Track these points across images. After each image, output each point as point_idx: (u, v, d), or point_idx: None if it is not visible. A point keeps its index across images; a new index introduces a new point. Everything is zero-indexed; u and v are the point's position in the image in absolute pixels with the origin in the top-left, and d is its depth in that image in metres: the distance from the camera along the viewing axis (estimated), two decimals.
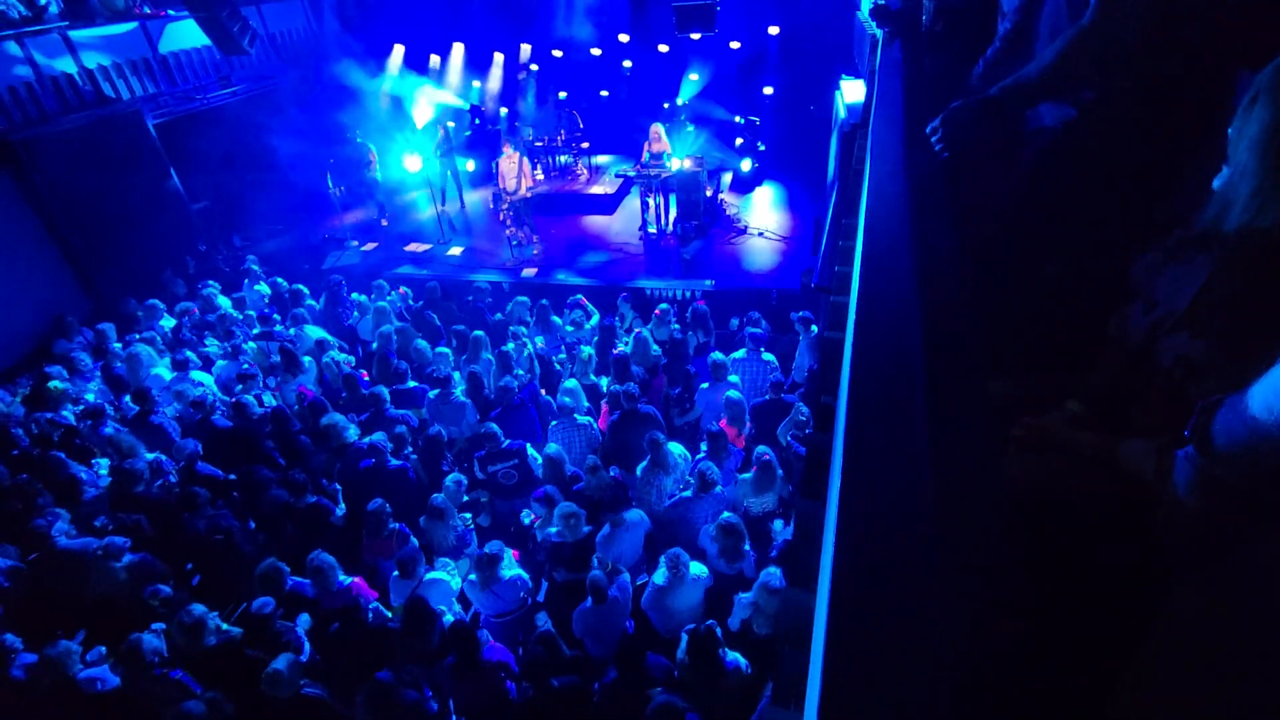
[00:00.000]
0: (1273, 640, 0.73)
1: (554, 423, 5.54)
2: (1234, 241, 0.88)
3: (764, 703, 3.08)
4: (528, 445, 5.26)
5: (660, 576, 4.01)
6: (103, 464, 5.59)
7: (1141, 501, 1.02)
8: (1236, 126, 0.88)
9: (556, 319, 7.39)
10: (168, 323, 7.76)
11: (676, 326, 7.08)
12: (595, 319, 7.34)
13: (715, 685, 3.38)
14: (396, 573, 4.28)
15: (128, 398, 6.22)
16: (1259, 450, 0.73)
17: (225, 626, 3.98)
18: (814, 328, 6.15)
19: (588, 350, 6.46)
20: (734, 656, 3.53)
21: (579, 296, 7.76)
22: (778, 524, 4.52)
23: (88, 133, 8.72)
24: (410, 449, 5.57)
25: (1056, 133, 2.05)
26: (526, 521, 5.00)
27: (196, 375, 6.49)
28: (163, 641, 3.74)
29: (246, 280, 8.72)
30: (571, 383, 5.91)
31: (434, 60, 13.29)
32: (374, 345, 7.06)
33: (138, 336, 7.24)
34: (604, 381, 6.36)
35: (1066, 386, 1.41)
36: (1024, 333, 1.80)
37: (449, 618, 4.23)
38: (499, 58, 13.59)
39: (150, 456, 5.35)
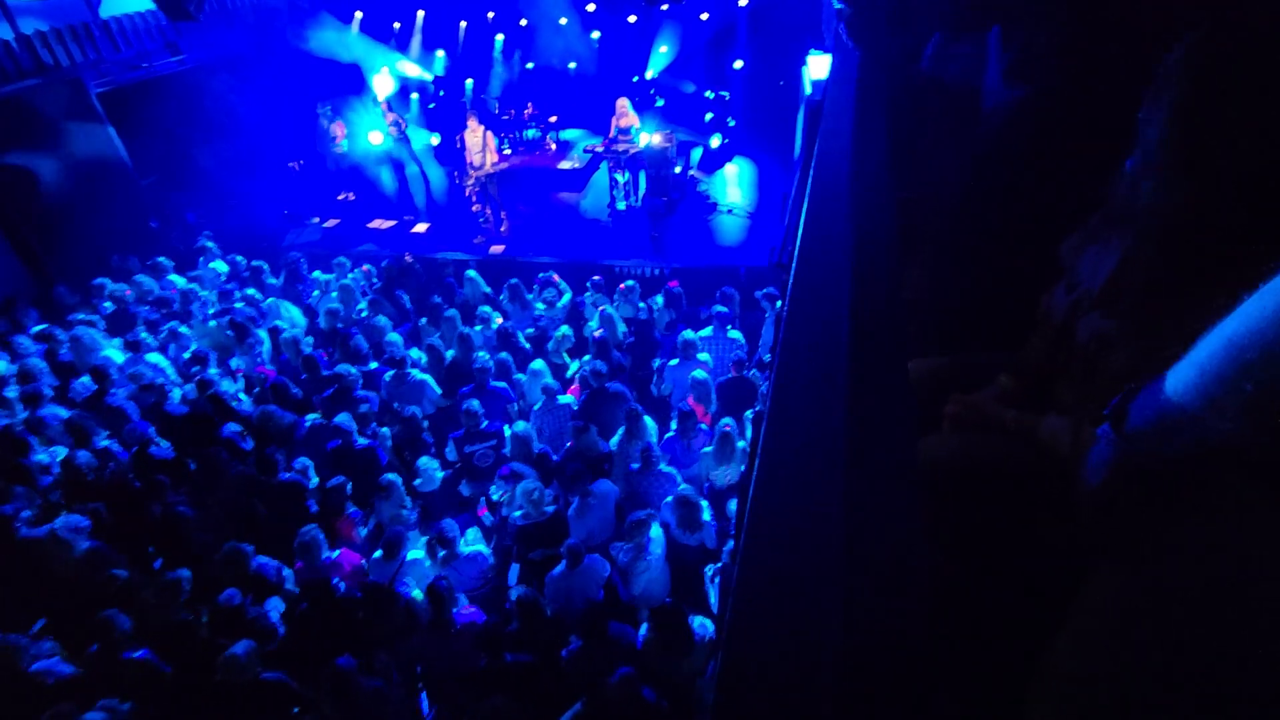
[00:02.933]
0: (1178, 625, 0.76)
1: (538, 405, 5.46)
2: (1141, 221, 0.90)
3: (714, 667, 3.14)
4: (505, 427, 5.20)
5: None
6: (59, 451, 5.40)
7: (1061, 478, 1.04)
8: (1146, 109, 0.89)
9: (530, 296, 7.30)
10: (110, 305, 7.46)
11: (643, 305, 7.05)
12: (567, 296, 7.26)
13: (685, 657, 3.45)
14: (379, 554, 4.22)
15: (84, 379, 6.01)
16: (1165, 430, 0.74)
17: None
18: (779, 304, 6.19)
19: (565, 329, 6.38)
20: (700, 621, 3.61)
21: (551, 274, 7.66)
22: (732, 504, 4.58)
23: (26, 101, 8.26)
24: (376, 424, 5.50)
25: (1006, 110, 2.07)
26: (495, 497, 4.98)
27: (151, 358, 6.29)
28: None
29: (202, 258, 8.42)
30: (538, 363, 5.85)
31: (395, 27, 12.83)
32: (321, 323, 6.93)
33: (80, 318, 6.96)
34: (574, 365, 6.30)
35: (1002, 364, 1.44)
36: (968, 311, 1.82)
37: (418, 593, 4.23)
38: (464, 25, 13.17)
39: (104, 443, 5.20)
